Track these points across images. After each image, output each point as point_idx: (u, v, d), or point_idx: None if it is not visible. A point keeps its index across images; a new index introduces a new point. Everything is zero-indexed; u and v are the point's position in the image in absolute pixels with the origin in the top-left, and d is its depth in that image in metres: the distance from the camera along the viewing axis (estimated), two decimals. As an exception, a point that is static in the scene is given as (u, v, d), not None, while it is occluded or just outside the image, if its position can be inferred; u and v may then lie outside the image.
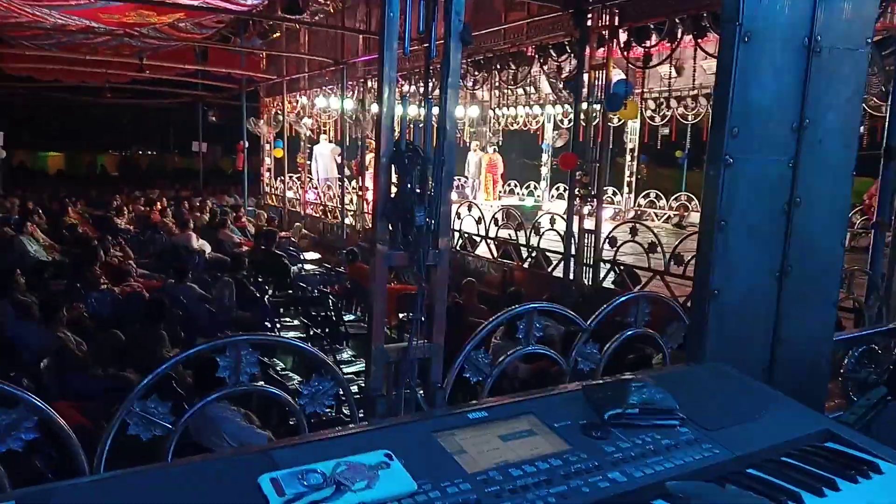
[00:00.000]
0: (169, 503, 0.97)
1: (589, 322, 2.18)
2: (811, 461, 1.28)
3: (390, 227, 1.97)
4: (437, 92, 1.71)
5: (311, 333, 6.79)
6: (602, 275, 7.99)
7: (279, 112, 15.27)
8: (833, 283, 2.05)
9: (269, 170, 16.64)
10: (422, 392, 1.91)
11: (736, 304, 1.90)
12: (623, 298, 2.27)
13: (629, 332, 2.25)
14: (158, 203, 14.40)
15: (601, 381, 1.49)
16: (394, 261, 1.97)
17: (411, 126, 1.74)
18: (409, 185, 1.98)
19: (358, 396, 1.92)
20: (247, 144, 15.96)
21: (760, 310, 1.94)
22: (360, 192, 12.22)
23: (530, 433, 1.25)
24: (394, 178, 1.75)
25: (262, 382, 2.21)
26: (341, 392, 1.84)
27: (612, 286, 7.69)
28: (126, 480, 1.03)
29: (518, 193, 15.17)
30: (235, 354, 1.65)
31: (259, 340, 2.14)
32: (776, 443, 1.33)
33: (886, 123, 5.33)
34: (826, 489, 1.18)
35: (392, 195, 1.92)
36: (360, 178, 12.34)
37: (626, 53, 7.75)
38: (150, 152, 30.87)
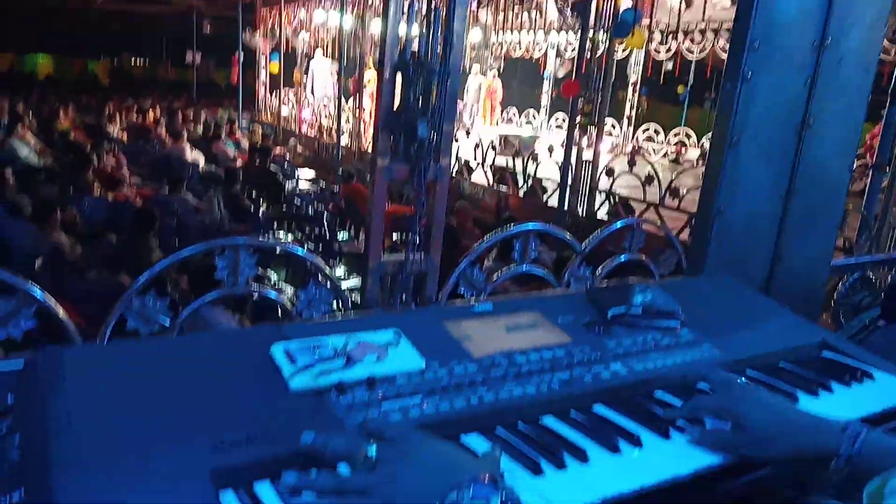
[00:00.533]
0: (180, 368, 0.98)
1: (584, 245, 2.19)
2: (807, 367, 1.31)
3: (392, 141, 1.93)
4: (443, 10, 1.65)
5: (305, 249, 6.81)
6: (597, 206, 7.99)
7: (276, 25, 14.78)
8: (837, 207, 2.06)
9: (263, 84, 16.24)
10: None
11: (740, 224, 1.90)
12: (619, 224, 2.28)
13: (623, 257, 2.26)
14: (151, 112, 14.09)
15: (605, 285, 1.50)
16: (394, 174, 1.94)
17: (417, 40, 1.69)
18: (412, 97, 1.93)
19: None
20: (242, 57, 15.50)
21: (763, 230, 1.95)
22: (357, 113, 12.00)
23: (534, 326, 1.27)
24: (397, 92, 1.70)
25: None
26: (337, 303, 1.84)
27: (607, 217, 7.71)
28: (139, 346, 1.05)
29: (517, 122, 14.95)
30: (234, 256, 1.65)
31: (258, 244, 2.13)
32: (774, 349, 1.36)
33: (897, 64, 5.23)
34: (821, 390, 1.21)
35: (395, 107, 1.88)
36: (357, 97, 12.08)
37: (637, -22, 7.49)
38: (142, 61, 29.96)
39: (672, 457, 0.96)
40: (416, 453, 0.74)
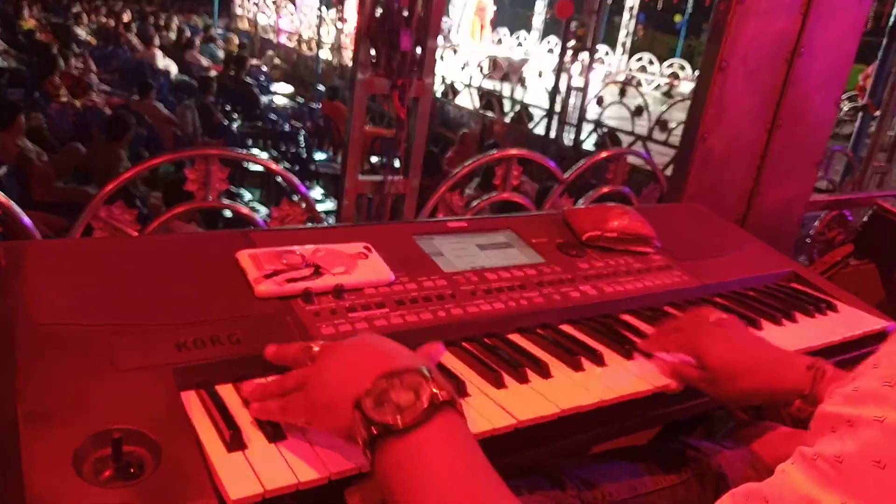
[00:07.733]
0: (145, 267, 0.95)
1: (567, 174, 2.15)
2: (774, 296, 1.33)
3: (373, 53, 1.85)
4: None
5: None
6: (584, 136, 7.91)
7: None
8: (820, 142, 2.04)
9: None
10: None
11: (722, 151, 1.88)
12: (604, 154, 2.26)
13: (606, 189, 2.24)
14: (122, 15, 13.43)
15: (582, 207, 1.49)
16: (375, 87, 1.87)
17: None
18: (397, 5, 1.83)
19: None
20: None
21: (745, 160, 1.93)
22: (338, 25, 11.55)
23: (507, 245, 1.26)
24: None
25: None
26: (311, 222, 1.80)
27: (594, 149, 7.65)
28: (104, 245, 1.01)
29: (507, 43, 14.56)
30: (205, 168, 1.59)
31: (230, 156, 2.06)
32: (743, 278, 1.37)
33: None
34: (784, 319, 1.23)
35: (378, 15, 1.79)
36: (339, 7, 11.60)
37: None
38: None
39: (632, 377, 0.97)
40: (358, 347, 0.71)
